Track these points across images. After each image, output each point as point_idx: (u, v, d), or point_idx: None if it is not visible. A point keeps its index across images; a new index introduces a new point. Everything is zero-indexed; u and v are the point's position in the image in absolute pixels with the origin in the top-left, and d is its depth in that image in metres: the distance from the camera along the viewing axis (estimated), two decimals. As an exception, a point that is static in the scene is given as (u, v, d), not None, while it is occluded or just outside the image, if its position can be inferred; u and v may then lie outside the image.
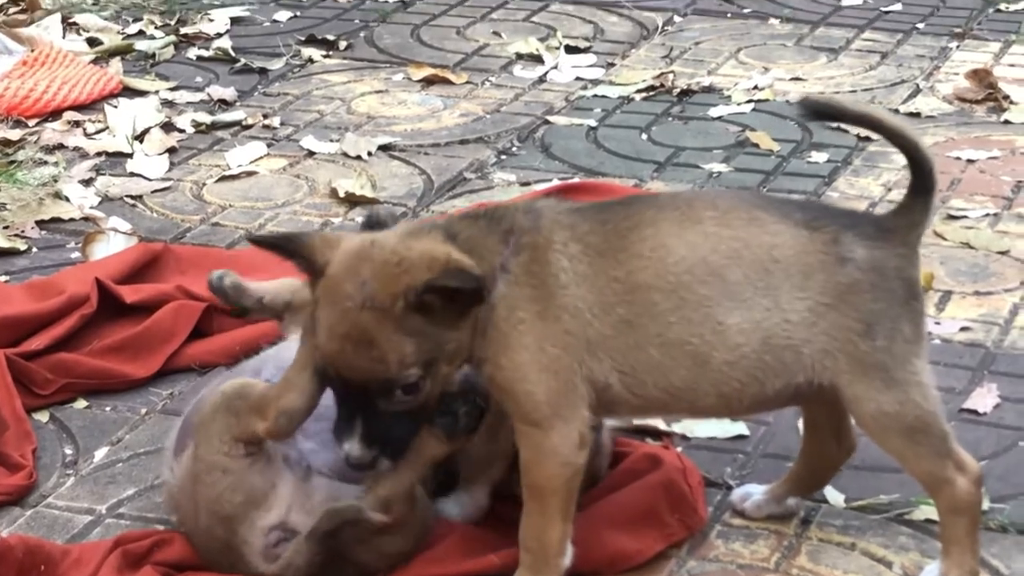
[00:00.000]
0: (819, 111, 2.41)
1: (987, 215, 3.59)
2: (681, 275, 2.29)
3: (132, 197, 3.71)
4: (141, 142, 3.96)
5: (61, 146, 3.95)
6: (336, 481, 2.37)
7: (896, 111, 4.14)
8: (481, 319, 2.26)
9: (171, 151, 3.94)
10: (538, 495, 2.31)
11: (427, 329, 2.23)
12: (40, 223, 3.56)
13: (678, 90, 4.29)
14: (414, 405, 2.27)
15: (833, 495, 2.62)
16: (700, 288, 2.29)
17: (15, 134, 3.97)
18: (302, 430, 2.37)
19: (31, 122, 4.07)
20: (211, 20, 4.75)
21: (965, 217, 3.58)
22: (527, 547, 2.35)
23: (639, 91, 4.29)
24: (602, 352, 2.29)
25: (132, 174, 3.82)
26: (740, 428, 2.79)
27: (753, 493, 2.59)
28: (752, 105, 4.20)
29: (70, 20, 4.73)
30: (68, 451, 2.80)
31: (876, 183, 3.76)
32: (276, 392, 2.33)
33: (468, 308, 2.25)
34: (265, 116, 4.13)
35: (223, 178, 3.81)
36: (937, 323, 3.13)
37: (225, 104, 4.22)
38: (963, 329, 3.13)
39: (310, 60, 4.51)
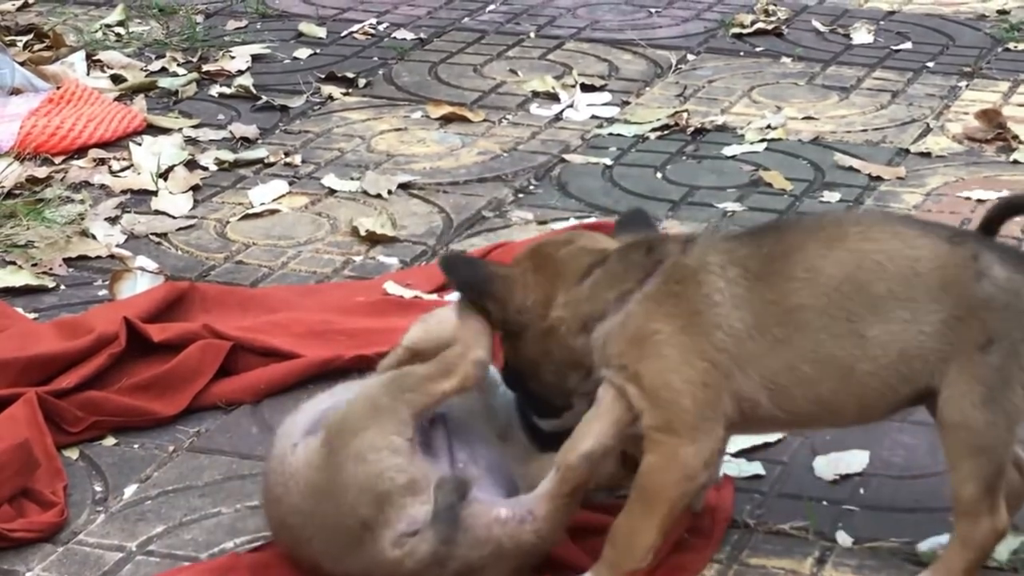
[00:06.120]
0: None
1: (997, 256, 3.64)
2: (831, 293, 2.41)
3: (157, 235, 3.78)
4: (165, 180, 4.02)
5: (87, 184, 4.02)
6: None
7: (907, 151, 4.21)
8: (597, 336, 2.45)
9: (195, 189, 4.01)
10: (650, 500, 2.41)
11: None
12: (67, 260, 3.63)
13: (692, 129, 4.36)
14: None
15: (842, 536, 2.67)
16: (847, 303, 2.41)
17: (42, 172, 4.03)
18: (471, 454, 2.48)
19: (57, 159, 4.13)
20: (232, 57, 4.81)
21: (975, 258, 3.63)
22: (615, 543, 2.43)
23: (654, 130, 4.36)
24: (753, 370, 2.42)
25: (157, 212, 3.89)
26: (756, 468, 2.85)
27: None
28: (765, 144, 4.26)
29: (94, 57, 4.79)
30: (98, 488, 2.85)
31: (887, 223, 3.82)
32: (460, 349, 2.46)
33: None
34: (287, 154, 4.20)
35: (246, 216, 3.88)
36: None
37: (247, 142, 4.28)
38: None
39: (330, 98, 4.58)
